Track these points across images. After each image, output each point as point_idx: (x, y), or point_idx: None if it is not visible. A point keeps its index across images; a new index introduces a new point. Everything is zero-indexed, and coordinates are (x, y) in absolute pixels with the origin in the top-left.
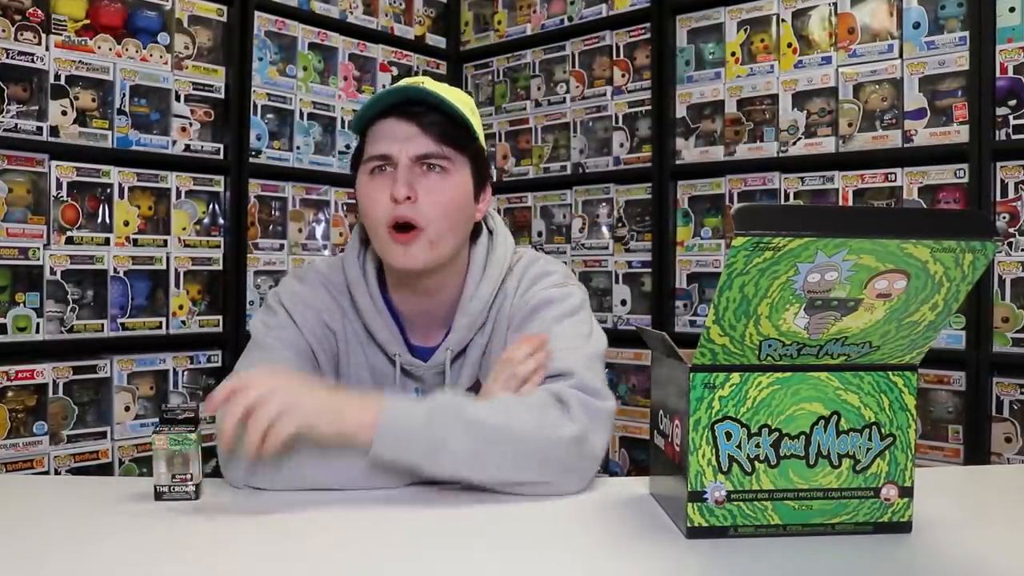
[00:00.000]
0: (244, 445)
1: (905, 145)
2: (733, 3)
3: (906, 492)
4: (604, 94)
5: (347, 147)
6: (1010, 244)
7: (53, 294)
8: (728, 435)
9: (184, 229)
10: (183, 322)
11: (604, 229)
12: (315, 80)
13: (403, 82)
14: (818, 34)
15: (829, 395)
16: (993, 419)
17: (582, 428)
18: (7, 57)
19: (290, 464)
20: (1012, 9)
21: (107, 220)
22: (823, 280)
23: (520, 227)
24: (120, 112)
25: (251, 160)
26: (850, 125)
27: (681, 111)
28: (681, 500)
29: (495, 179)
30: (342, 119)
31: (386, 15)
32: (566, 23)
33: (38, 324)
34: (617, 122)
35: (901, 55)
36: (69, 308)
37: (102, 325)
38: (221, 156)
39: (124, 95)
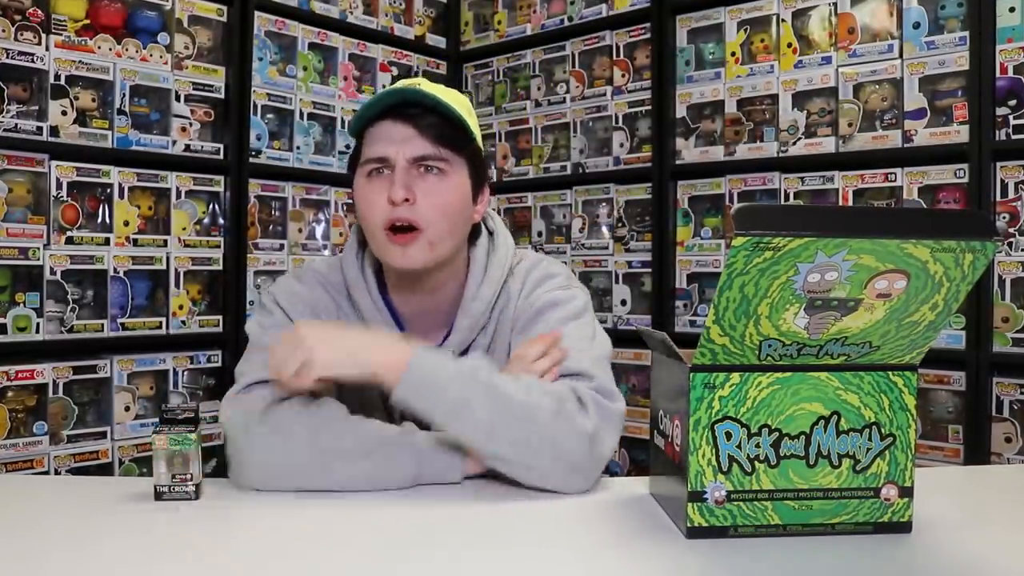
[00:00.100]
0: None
1: (905, 145)
2: (733, 3)
3: (906, 492)
4: (604, 94)
5: (347, 147)
6: (1010, 244)
7: (53, 294)
8: (728, 435)
9: (184, 229)
10: (183, 322)
11: (604, 229)
12: (315, 80)
13: (400, 84)
14: (818, 34)
15: (829, 395)
16: (993, 419)
17: (596, 427)
18: (7, 57)
19: (299, 466)
20: (1012, 9)
21: (107, 220)
22: (823, 280)
23: (520, 227)
24: (120, 112)
25: (251, 160)
26: (850, 125)
27: (681, 111)
28: (681, 500)
29: (495, 179)
30: (342, 119)
31: (386, 15)
32: (566, 23)
33: (38, 324)
34: (617, 122)
35: (901, 55)
36: (69, 308)
37: (102, 325)
38: (221, 156)
39: (124, 95)
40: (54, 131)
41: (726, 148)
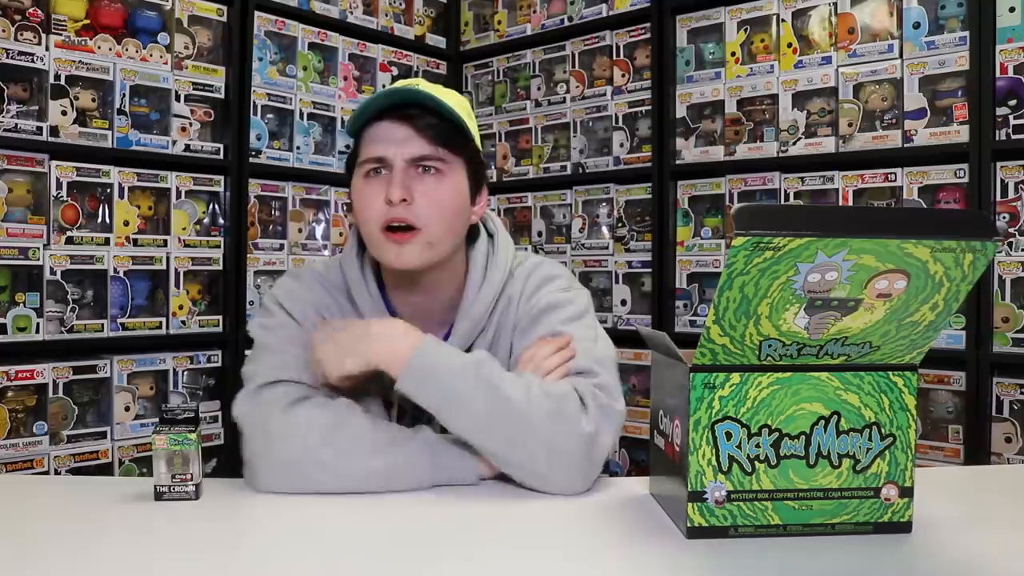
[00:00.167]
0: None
1: (905, 145)
2: (733, 3)
3: (906, 492)
4: (604, 94)
5: (347, 147)
6: (1010, 244)
7: (53, 294)
8: (728, 435)
9: (184, 229)
10: (183, 322)
11: (604, 229)
12: (315, 80)
13: (398, 84)
14: (818, 34)
15: (829, 395)
16: (993, 419)
17: (596, 428)
18: (7, 57)
19: (317, 467)
20: (1012, 9)
21: (107, 220)
22: (823, 280)
23: (520, 227)
24: (120, 112)
25: (251, 160)
26: (850, 125)
27: (681, 111)
28: (681, 500)
29: (495, 179)
30: (342, 119)
31: (386, 15)
32: (566, 23)
33: (38, 324)
34: (617, 122)
35: (901, 55)
36: (69, 308)
37: (102, 325)
38: (221, 156)
39: (124, 95)
40: (54, 131)
41: (726, 148)
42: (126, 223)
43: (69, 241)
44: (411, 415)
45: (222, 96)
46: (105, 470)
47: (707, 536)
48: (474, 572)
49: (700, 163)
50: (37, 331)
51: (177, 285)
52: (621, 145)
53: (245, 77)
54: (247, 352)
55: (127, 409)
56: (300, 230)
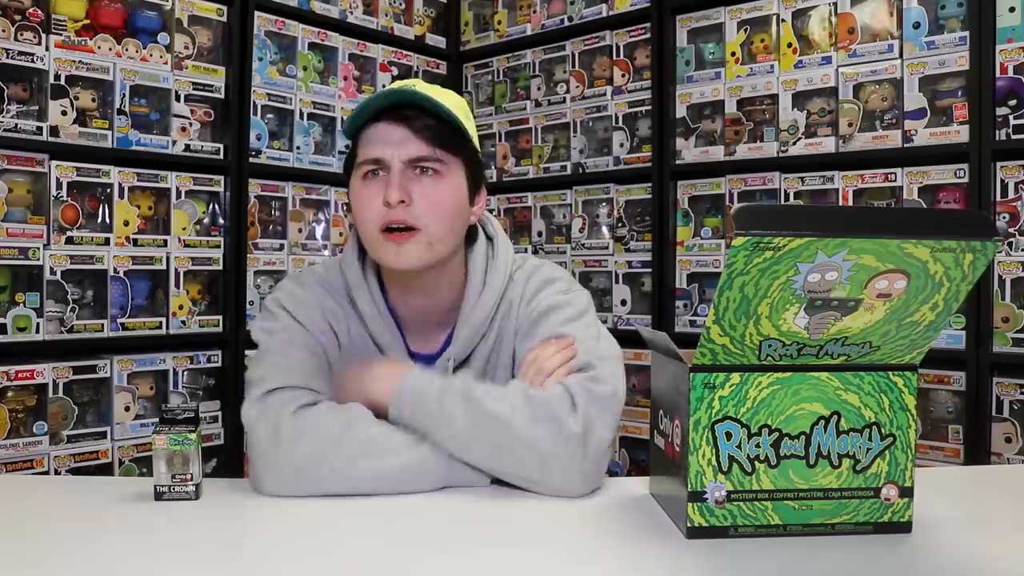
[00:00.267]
0: None
1: (905, 145)
2: (733, 3)
3: (906, 492)
4: (604, 94)
5: (346, 147)
6: (1010, 244)
7: (53, 294)
8: (728, 435)
9: (184, 229)
10: (183, 322)
11: (604, 229)
12: (315, 80)
13: (395, 85)
14: (818, 34)
15: (829, 395)
16: (993, 419)
17: (587, 425)
18: (7, 57)
19: (329, 470)
20: (1012, 9)
21: (107, 220)
22: (823, 280)
23: (520, 227)
24: (120, 112)
25: (251, 160)
26: (850, 125)
27: (681, 111)
28: (681, 500)
29: (495, 179)
30: (342, 119)
31: (386, 15)
32: (566, 23)
33: (38, 324)
34: (617, 122)
35: (901, 55)
36: (69, 308)
37: (102, 325)
38: (221, 156)
39: (124, 95)
40: (54, 131)
41: (726, 148)
42: (126, 223)
43: (69, 241)
44: None
45: (222, 96)
46: (105, 470)
47: (707, 536)
48: (475, 572)
49: (700, 163)
50: (37, 331)
51: (177, 285)
52: (621, 145)
53: (245, 77)
54: (247, 352)
55: (127, 409)
56: (300, 230)
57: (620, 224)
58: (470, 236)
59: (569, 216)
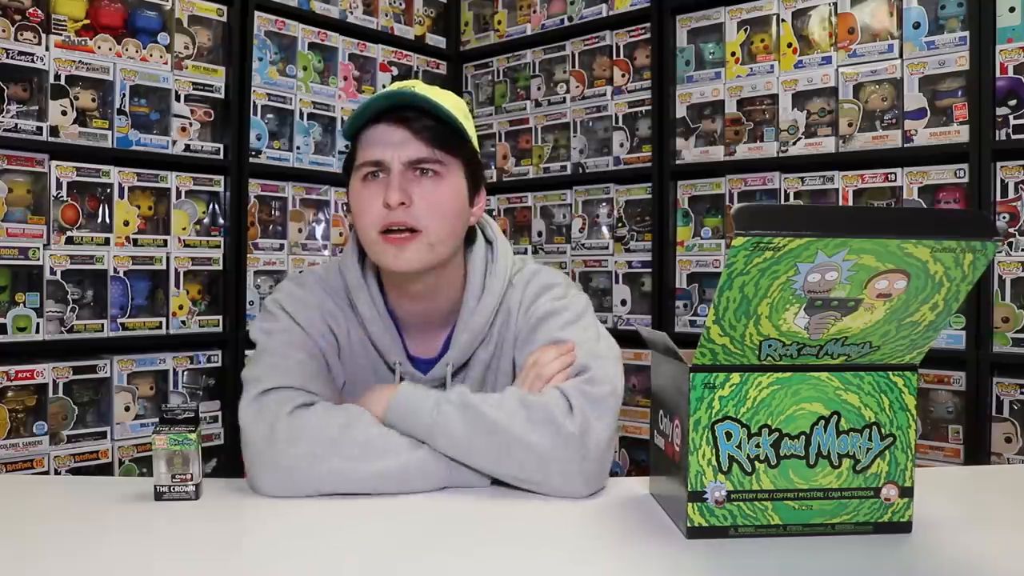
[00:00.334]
0: None
1: (905, 145)
2: (733, 3)
3: (906, 492)
4: (604, 94)
5: (346, 147)
6: (1010, 244)
7: (53, 294)
8: (728, 435)
9: (184, 229)
10: (183, 322)
11: (604, 229)
12: (315, 80)
13: (394, 86)
14: (818, 34)
15: (829, 395)
16: (993, 419)
17: (583, 426)
18: (7, 57)
19: (327, 470)
20: (1012, 9)
21: (107, 220)
22: (823, 280)
23: (520, 227)
24: (120, 112)
25: (251, 160)
26: (850, 125)
27: (681, 111)
28: (681, 500)
29: (495, 179)
30: (342, 119)
31: (386, 15)
32: (566, 23)
33: (38, 324)
34: (617, 122)
35: (901, 55)
36: (69, 308)
37: (102, 325)
38: (221, 156)
39: (124, 95)
40: (54, 131)
41: (726, 148)
42: (126, 223)
43: (69, 241)
44: None
45: (222, 96)
46: (105, 470)
47: (707, 536)
48: (475, 572)
49: (700, 163)
50: (37, 331)
51: (177, 285)
52: (621, 145)
53: (245, 77)
54: (247, 352)
55: (127, 409)
56: (300, 230)
57: (620, 224)
58: (468, 238)
59: (569, 216)
